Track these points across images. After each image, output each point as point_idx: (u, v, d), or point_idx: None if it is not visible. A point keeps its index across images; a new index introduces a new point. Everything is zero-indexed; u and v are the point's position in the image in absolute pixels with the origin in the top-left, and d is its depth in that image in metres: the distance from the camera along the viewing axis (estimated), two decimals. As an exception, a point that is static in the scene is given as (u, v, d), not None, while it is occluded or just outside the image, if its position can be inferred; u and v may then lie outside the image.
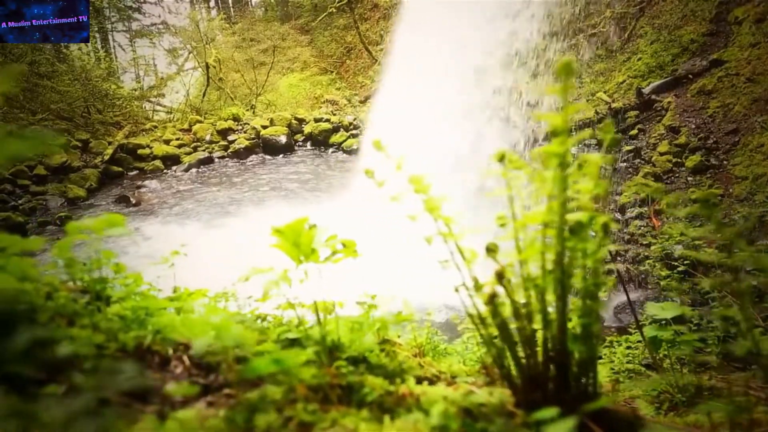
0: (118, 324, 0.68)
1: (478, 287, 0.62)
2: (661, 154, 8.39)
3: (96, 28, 15.76)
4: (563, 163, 0.49)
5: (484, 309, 0.56)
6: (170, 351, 0.71)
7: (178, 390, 0.56)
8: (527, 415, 0.46)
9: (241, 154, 11.87)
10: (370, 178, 0.58)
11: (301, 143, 12.68)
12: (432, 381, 0.76)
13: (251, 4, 22.14)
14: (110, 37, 17.56)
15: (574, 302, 0.51)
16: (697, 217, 7.10)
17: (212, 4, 22.53)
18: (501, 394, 0.51)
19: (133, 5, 17.00)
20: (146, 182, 10.45)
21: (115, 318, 0.72)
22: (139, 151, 11.32)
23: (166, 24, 17.48)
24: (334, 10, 17.43)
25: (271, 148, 12.09)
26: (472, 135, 8.89)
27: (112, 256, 1.02)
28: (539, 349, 0.52)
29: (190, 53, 16.27)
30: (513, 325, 0.61)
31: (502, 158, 0.55)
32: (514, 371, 0.53)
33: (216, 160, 11.68)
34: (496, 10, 9.37)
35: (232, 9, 21.68)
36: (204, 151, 11.89)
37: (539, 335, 0.52)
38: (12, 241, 0.69)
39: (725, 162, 7.73)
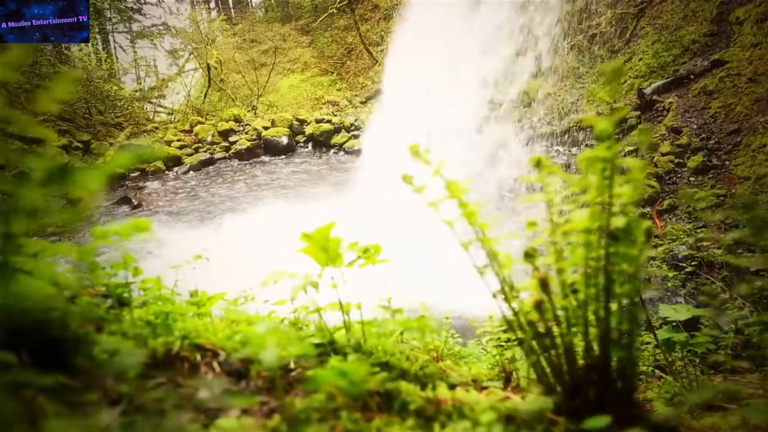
0: (146, 330, 0.68)
1: (510, 294, 0.62)
2: (663, 155, 8.39)
3: (97, 30, 15.75)
4: (608, 168, 0.48)
5: (521, 314, 0.56)
6: (198, 357, 0.70)
7: (214, 399, 0.56)
8: (570, 422, 0.45)
9: (242, 155, 11.87)
10: (408, 184, 0.57)
11: (302, 144, 12.68)
12: (460, 386, 0.76)
13: (251, 5, 22.16)
14: (111, 38, 17.56)
15: (613, 308, 0.50)
16: (699, 218, 7.09)
17: (212, 5, 22.54)
18: (538, 401, 0.51)
19: (134, 6, 17.00)
20: (148, 183, 10.45)
21: (141, 323, 0.71)
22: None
23: (167, 25, 17.49)
24: (335, 11, 17.44)
25: (272, 149, 12.09)
26: (474, 132, 8.90)
27: (132, 261, 1.01)
28: (580, 355, 0.51)
29: (190, 54, 16.27)
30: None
31: (538, 163, 0.55)
32: (552, 378, 0.53)
33: (217, 161, 11.68)
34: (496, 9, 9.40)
35: (232, 10, 21.69)
36: (205, 152, 11.88)
37: (576, 341, 0.52)
38: (43, 246, 0.69)
39: (727, 162, 7.73)
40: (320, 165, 11.44)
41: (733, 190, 7.35)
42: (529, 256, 0.54)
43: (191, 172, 11.04)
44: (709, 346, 1.49)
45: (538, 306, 0.52)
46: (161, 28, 17.43)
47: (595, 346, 0.49)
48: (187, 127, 12.90)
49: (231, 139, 12.35)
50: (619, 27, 11.43)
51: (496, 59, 9.38)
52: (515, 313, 0.56)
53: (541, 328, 0.52)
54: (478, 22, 9.43)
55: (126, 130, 11.91)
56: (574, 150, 9.79)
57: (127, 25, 17.60)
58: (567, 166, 9.50)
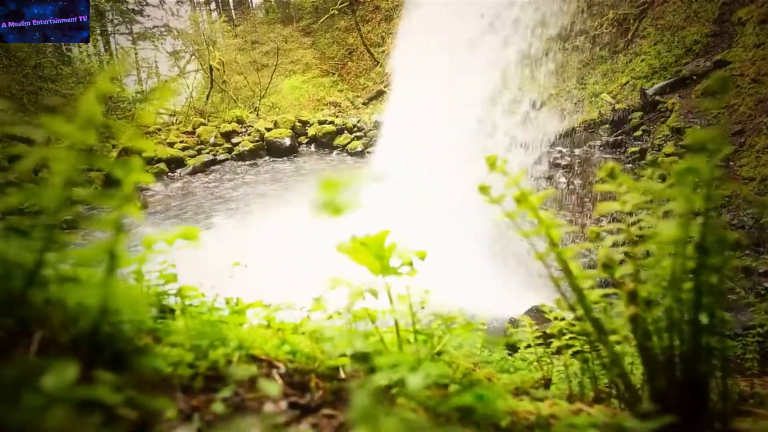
0: (204, 341, 0.68)
1: (589, 305, 0.61)
2: (667, 155, 8.39)
3: (98, 31, 15.75)
4: (707, 179, 0.48)
5: (601, 325, 0.56)
6: (254, 368, 0.70)
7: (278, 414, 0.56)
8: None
9: (245, 157, 11.86)
10: (485, 195, 0.57)
11: (305, 145, 12.67)
12: (515, 396, 0.76)
13: (252, 7, 22.15)
14: (112, 39, 17.55)
15: (703, 320, 0.50)
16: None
17: (213, 6, 22.53)
18: (616, 414, 0.51)
19: (136, 8, 16.99)
20: (151, 185, 10.43)
21: (197, 334, 0.71)
22: (143, 154, 11.30)
23: (168, 27, 17.47)
24: (336, 12, 17.44)
25: (275, 150, 12.09)
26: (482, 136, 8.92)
27: (173, 268, 1.01)
28: (665, 367, 0.51)
29: (192, 56, 16.26)
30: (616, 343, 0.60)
31: (611, 173, 0.54)
32: (630, 391, 0.52)
33: (220, 162, 11.67)
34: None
35: (233, 12, 21.68)
36: (208, 153, 11.87)
37: (657, 351, 0.52)
38: (96, 255, 0.68)
39: (732, 163, 7.73)
40: (323, 166, 11.44)
41: (738, 191, 7.36)
42: (608, 267, 0.54)
43: (195, 174, 11.03)
44: (737, 351, 1.49)
45: (634, 320, 0.52)
46: (162, 29, 17.43)
47: (685, 358, 0.49)
48: (189, 129, 12.89)
49: (234, 140, 12.35)
50: (621, 27, 11.44)
51: (501, 60, 9.40)
52: (597, 325, 0.55)
53: (633, 341, 0.52)
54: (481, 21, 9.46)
55: (128, 132, 11.87)
56: (577, 151, 9.79)
57: (129, 26, 17.59)
58: (570, 167, 9.50)
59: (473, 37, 9.47)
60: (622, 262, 0.59)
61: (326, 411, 0.60)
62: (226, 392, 0.61)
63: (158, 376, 0.60)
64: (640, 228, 0.56)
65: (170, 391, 0.57)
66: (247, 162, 11.77)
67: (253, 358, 0.72)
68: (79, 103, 0.55)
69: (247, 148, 11.96)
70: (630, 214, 0.55)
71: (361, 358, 0.80)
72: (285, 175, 10.89)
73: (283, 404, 0.60)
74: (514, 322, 4.66)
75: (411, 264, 0.88)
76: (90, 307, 0.49)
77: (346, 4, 16.84)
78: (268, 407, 0.60)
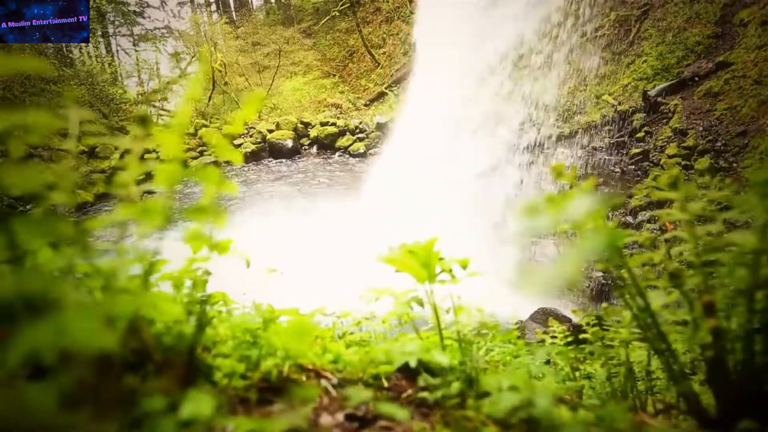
0: (253, 351, 0.68)
1: (655, 318, 0.61)
2: (670, 157, 8.41)
3: (99, 33, 15.74)
4: None
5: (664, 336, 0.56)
6: (304, 378, 0.70)
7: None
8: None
9: (247, 158, 11.86)
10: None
11: (307, 147, 12.67)
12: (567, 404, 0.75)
13: (253, 8, 22.16)
14: (113, 41, 17.55)
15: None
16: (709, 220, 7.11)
17: (214, 8, 22.54)
18: (678, 426, 0.51)
19: (137, 9, 16.99)
20: (153, 187, 10.42)
21: (245, 343, 0.71)
22: (146, 156, 11.29)
23: (170, 28, 17.47)
24: (337, 14, 17.46)
25: (277, 152, 12.09)
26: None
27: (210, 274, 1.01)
28: (740, 378, 0.51)
29: (193, 57, 16.27)
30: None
31: (674, 182, 0.54)
32: (697, 402, 0.53)
33: (222, 164, 11.66)
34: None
35: (234, 13, 21.69)
36: (210, 155, 11.87)
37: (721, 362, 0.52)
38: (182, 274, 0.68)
39: (735, 165, 7.74)
40: (326, 167, 11.43)
41: (741, 193, 7.35)
42: (676, 277, 0.54)
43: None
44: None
45: (716, 332, 0.52)
46: (164, 31, 17.43)
47: (759, 371, 0.49)
48: (191, 131, 12.89)
49: (236, 142, 12.35)
50: (623, 29, 11.46)
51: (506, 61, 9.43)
52: (661, 337, 0.56)
53: (710, 353, 0.52)
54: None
55: (130, 134, 11.87)
56: (580, 153, 9.80)
57: (130, 28, 17.59)
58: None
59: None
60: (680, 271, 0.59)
61: (383, 423, 0.60)
62: (280, 404, 0.61)
63: (216, 389, 0.59)
64: (696, 237, 0.56)
65: (231, 405, 0.57)
66: (250, 164, 11.76)
67: (301, 368, 0.72)
68: (175, 113, 0.55)
69: (249, 150, 11.96)
70: (694, 221, 0.56)
71: (404, 367, 0.80)
72: (287, 176, 10.88)
73: (340, 416, 0.60)
74: (520, 325, 4.66)
75: (451, 272, 0.88)
76: (184, 329, 0.49)
77: (347, 5, 16.86)
78: (326, 419, 0.60)
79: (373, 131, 12.42)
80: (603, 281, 5.70)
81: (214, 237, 0.88)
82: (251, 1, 22.33)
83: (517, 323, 4.12)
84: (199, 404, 0.34)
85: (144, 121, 0.54)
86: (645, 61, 10.67)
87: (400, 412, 0.52)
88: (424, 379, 0.74)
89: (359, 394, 0.54)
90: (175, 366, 0.47)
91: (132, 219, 0.51)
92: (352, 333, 1.13)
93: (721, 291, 0.52)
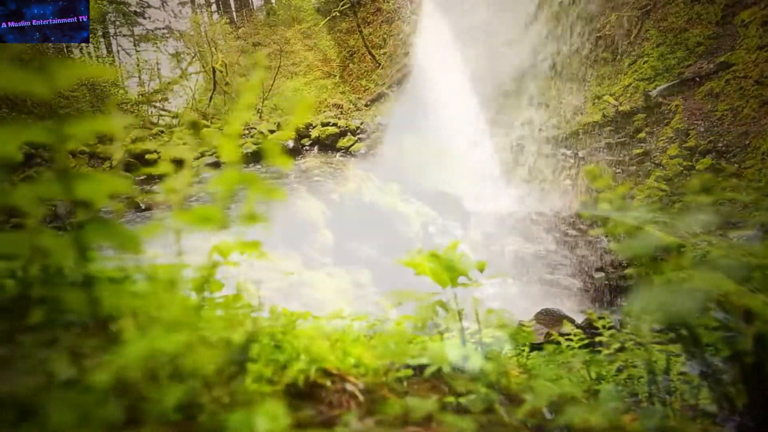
0: (281, 355, 0.68)
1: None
2: (671, 157, 8.41)
3: (100, 33, 15.75)
4: None
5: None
6: (329, 383, 0.70)
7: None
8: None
9: (248, 159, 11.85)
10: (588, 219, 0.57)
11: (308, 147, 12.67)
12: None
13: (253, 8, 22.17)
14: (114, 41, 17.56)
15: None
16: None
17: (214, 8, 22.55)
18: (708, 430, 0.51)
19: (137, 10, 17.01)
20: (155, 187, 10.43)
21: (268, 348, 0.71)
22: (147, 156, 11.29)
23: (170, 28, 17.48)
24: (337, 14, 17.46)
25: (278, 152, 12.08)
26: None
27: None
28: None
29: (194, 57, 16.27)
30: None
31: (707, 188, 0.55)
32: (731, 406, 0.53)
33: (224, 164, 11.65)
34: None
35: (234, 13, 21.69)
36: (211, 155, 11.86)
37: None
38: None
39: (736, 165, 7.75)
40: (328, 168, 11.43)
41: (742, 192, 7.36)
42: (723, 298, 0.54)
43: (199, 175, 11.01)
44: None
45: (758, 338, 0.52)
46: (164, 31, 17.44)
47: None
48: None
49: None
50: (624, 29, 11.46)
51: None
52: (697, 343, 0.56)
53: (750, 359, 0.52)
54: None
55: (131, 134, 11.89)
56: (581, 153, 9.80)
57: (130, 28, 17.59)
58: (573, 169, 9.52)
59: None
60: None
61: (412, 429, 0.60)
62: (309, 410, 0.61)
63: (245, 395, 0.60)
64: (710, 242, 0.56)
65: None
66: (251, 163, 11.75)
67: (325, 372, 0.72)
68: (229, 120, 0.55)
69: (250, 150, 11.95)
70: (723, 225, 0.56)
71: (426, 369, 0.80)
72: (289, 177, 10.88)
73: (370, 422, 0.60)
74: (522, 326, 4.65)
75: (468, 275, 0.88)
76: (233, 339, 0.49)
77: (347, 5, 16.87)
78: (355, 426, 0.60)
79: (374, 132, 12.44)
80: (606, 282, 5.71)
81: (260, 243, 0.87)
82: (252, 2, 22.34)
83: (522, 324, 4.13)
84: (274, 418, 0.34)
85: (195, 126, 0.54)
86: (646, 61, 10.68)
87: (463, 423, 0.52)
88: (448, 384, 0.74)
89: (423, 406, 0.54)
90: (224, 378, 0.48)
91: (188, 225, 0.51)
92: (369, 336, 1.13)
93: (760, 296, 0.53)
